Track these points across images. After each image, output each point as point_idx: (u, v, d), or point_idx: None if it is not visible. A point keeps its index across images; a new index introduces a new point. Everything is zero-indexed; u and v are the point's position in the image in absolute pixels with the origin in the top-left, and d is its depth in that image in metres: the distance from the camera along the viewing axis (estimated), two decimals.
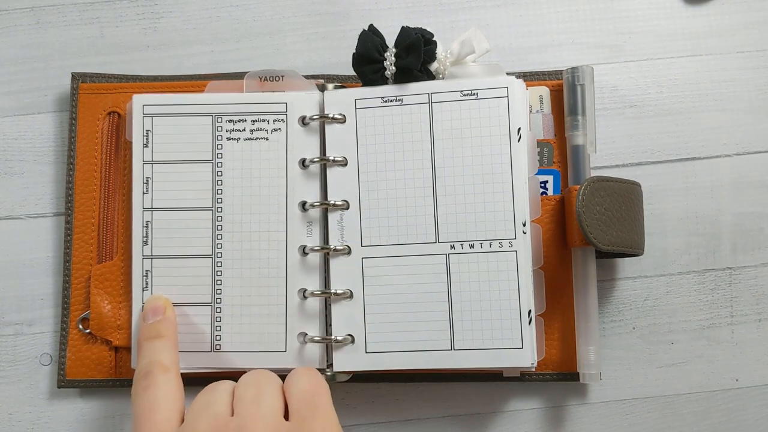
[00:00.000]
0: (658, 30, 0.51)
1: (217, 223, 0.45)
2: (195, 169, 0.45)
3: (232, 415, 0.36)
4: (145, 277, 0.44)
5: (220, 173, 0.45)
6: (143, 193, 0.45)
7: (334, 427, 0.36)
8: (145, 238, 0.45)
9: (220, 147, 0.45)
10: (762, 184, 0.50)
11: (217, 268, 0.44)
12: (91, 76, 0.49)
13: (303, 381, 0.38)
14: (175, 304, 0.44)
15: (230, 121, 0.45)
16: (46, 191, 0.49)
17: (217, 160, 0.45)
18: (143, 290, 0.44)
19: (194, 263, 0.44)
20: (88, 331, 0.46)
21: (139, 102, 0.45)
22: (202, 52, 0.51)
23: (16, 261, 0.49)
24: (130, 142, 0.46)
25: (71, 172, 0.48)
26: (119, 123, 0.48)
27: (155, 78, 0.49)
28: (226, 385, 0.38)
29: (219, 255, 0.44)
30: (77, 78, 0.49)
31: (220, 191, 0.45)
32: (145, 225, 0.45)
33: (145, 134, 0.45)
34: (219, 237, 0.45)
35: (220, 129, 0.45)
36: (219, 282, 0.44)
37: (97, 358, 0.46)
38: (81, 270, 0.47)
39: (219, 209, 0.45)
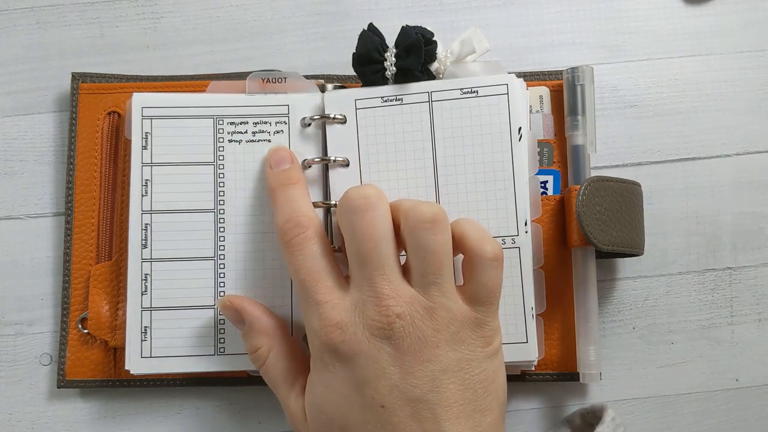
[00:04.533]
0: (658, 30, 0.51)
1: (220, 225, 0.44)
2: (196, 171, 0.45)
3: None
4: (144, 281, 0.44)
5: (222, 175, 0.45)
6: (142, 195, 0.45)
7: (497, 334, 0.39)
8: (144, 241, 0.44)
9: (221, 149, 0.45)
10: (762, 184, 0.50)
11: (220, 270, 0.44)
12: (91, 76, 0.49)
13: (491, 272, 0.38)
14: (177, 308, 0.44)
15: (232, 123, 0.45)
16: (46, 191, 0.49)
17: (219, 162, 0.45)
18: (142, 294, 0.44)
19: (196, 266, 0.44)
20: (87, 331, 0.46)
21: (139, 103, 0.45)
22: (202, 52, 0.51)
23: (16, 261, 0.49)
24: (130, 141, 0.46)
25: (71, 172, 0.48)
26: (119, 123, 0.48)
27: (155, 78, 0.49)
28: (324, 246, 0.39)
29: (222, 257, 0.44)
30: (77, 78, 0.49)
31: (222, 193, 0.45)
32: (144, 228, 0.44)
33: (144, 136, 0.45)
34: (221, 239, 0.44)
35: (221, 131, 0.45)
36: (222, 284, 0.44)
37: (96, 358, 0.46)
38: (81, 270, 0.47)
39: (221, 211, 0.45)
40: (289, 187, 0.42)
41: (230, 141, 0.45)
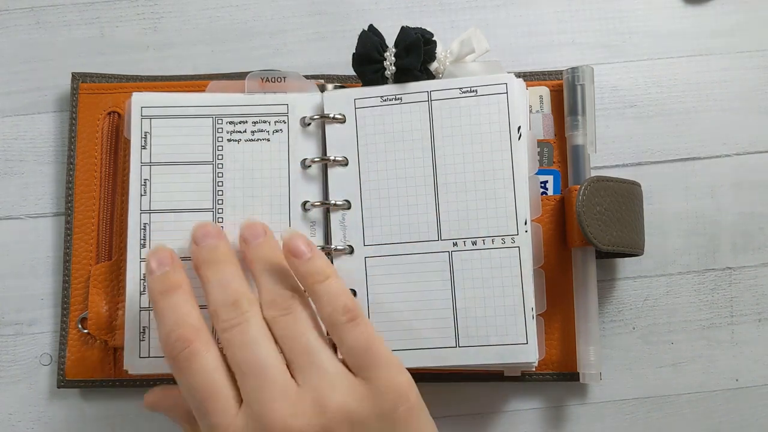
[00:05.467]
0: (658, 30, 0.51)
1: (219, 224, 0.44)
2: (195, 171, 0.45)
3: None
4: (142, 280, 0.44)
5: (221, 174, 0.45)
6: (141, 195, 0.44)
7: (400, 373, 0.36)
8: (142, 240, 0.44)
9: (220, 148, 0.45)
10: (762, 184, 0.50)
11: None
12: (91, 76, 0.49)
13: (351, 334, 0.37)
14: None
15: (231, 122, 0.45)
16: (46, 191, 0.49)
17: (218, 162, 0.45)
18: (141, 294, 0.44)
19: None
20: (87, 331, 0.46)
21: (138, 103, 0.45)
22: (202, 52, 0.51)
23: (16, 261, 0.49)
24: (130, 141, 0.46)
25: (71, 172, 0.48)
26: (119, 123, 0.48)
27: (155, 78, 0.49)
28: (267, 343, 0.36)
29: None
30: (77, 78, 0.49)
31: (221, 192, 0.45)
32: (143, 227, 0.44)
33: (143, 136, 0.45)
34: None
35: (220, 130, 0.45)
36: None
37: (97, 358, 0.46)
38: (81, 270, 0.47)
39: (220, 210, 0.45)
40: (170, 293, 0.38)
41: (229, 140, 0.45)
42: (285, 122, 0.45)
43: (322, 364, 0.36)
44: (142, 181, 0.44)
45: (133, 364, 0.43)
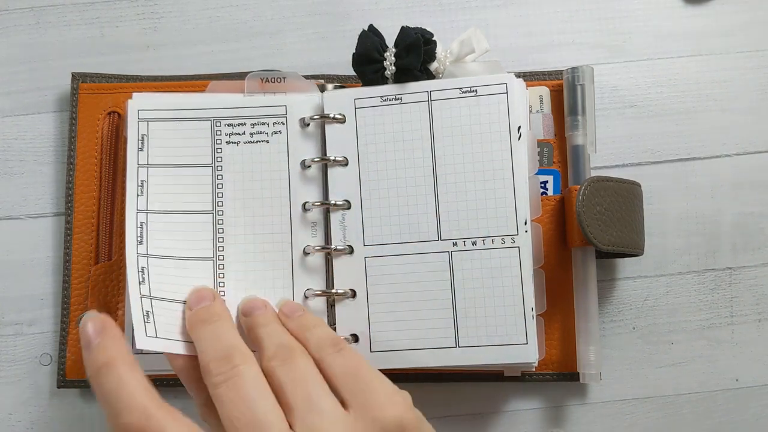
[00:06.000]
0: (658, 30, 0.51)
1: (219, 226, 0.44)
2: (193, 173, 0.45)
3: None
4: (141, 273, 0.43)
5: (220, 176, 0.45)
6: (137, 195, 0.44)
7: (393, 395, 0.36)
8: (139, 238, 0.43)
9: (219, 150, 0.45)
10: (762, 184, 0.50)
11: (219, 271, 0.44)
12: (91, 76, 0.49)
13: (338, 360, 0.37)
14: (177, 302, 0.43)
15: (229, 125, 0.45)
16: (46, 191, 0.49)
17: (217, 164, 0.45)
18: (140, 284, 0.43)
19: (195, 265, 0.44)
20: None
21: (135, 105, 0.45)
22: (202, 52, 0.51)
23: (16, 261, 0.49)
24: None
25: (71, 172, 0.48)
26: (119, 123, 0.48)
27: (155, 78, 0.49)
28: (264, 398, 0.34)
29: (221, 258, 0.44)
30: (77, 78, 0.49)
31: (220, 194, 0.45)
32: (139, 226, 0.43)
33: (140, 138, 0.45)
34: (221, 240, 0.44)
35: (219, 133, 0.45)
36: (222, 285, 0.44)
37: None
38: (81, 270, 0.47)
39: (220, 212, 0.45)
40: (212, 324, 0.38)
41: (228, 143, 0.45)
42: (284, 123, 0.45)
43: (323, 409, 0.34)
44: (139, 182, 0.44)
45: (141, 342, 0.40)
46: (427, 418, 0.48)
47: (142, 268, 0.43)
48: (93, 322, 0.34)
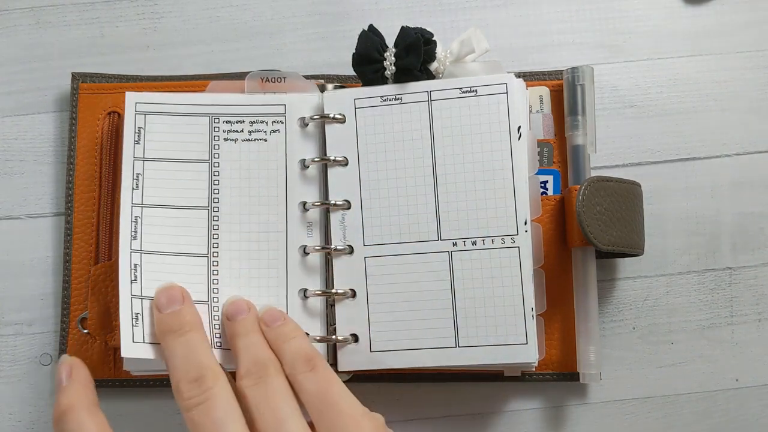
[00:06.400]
0: (658, 30, 0.51)
1: (214, 223, 0.44)
2: (190, 168, 0.45)
3: None
4: (133, 270, 0.43)
5: (216, 173, 0.45)
6: (133, 188, 0.44)
7: (360, 418, 0.36)
8: (134, 233, 0.43)
9: (217, 147, 0.45)
10: (762, 184, 0.50)
11: (213, 268, 0.44)
12: (91, 76, 0.49)
13: (309, 378, 0.37)
14: None
15: (228, 122, 0.45)
16: (46, 191, 0.49)
17: (214, 160, 0.45)
18: (131, 283, 0.43)
19: (188, 261, 0.44)
20: (86, 331, 0.46)
21: (132, 98, 0.45)
22: (202, 52, 0.51)
23: (16, 261, 0.49)
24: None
25: (71, 172, 0.48)
26: (119, 123, 0.48)
27: (155, 78, 0.49)
28: (235, 423, 0.34)
29: (215, 254, 0.44)
30: (77, 78, 0.49)
31: (216, 191, 0.45)
32: (133, 220, 0.43)
33: (137, 131, 0.45)
34: (215, 237, 0.44)
35: (217, 129, 0.45)
36: (216, 281, 0.44)
37: (96, 358, 0.46)
38: (81, 270, 0.47)
39: (216, 209, 0.44)
40: (186, 334, 0.38)
41: (226, 139, 0.45)
42: (282, 122, 0.45)
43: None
44: (135, 175, 0.44)
45: (128, 349, 0.41)
46: (427, 418, 0.48)
47: (135, 265, 0.42)
48: (64, 366, 0.36)
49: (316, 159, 0.45)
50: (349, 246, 0.44)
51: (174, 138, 0.45)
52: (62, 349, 0.47)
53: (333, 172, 0.45)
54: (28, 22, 0.51)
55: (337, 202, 0.44)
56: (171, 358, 0.37)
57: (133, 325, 0.41)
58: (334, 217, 0.45)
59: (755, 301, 0.49)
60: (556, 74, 0.49)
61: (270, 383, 0.37)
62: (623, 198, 0.45)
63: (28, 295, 0.49)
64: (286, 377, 0.38)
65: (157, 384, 0.47)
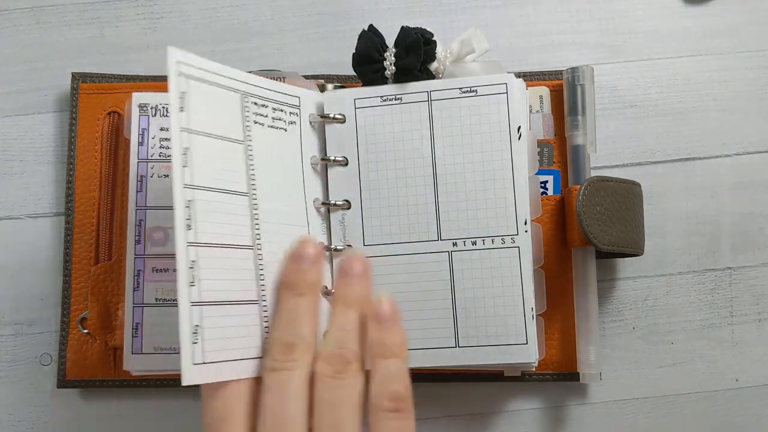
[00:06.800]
0: (658, 30, 0.51)
1: (254, 212, 0.40)
2: (230, 148, 0.40)
3: None
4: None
5: (251, 157, 0.43)
6: (182, 166, 0.37)
7: None
8: (188, 221, 0.36)
9: (249, 129, 0.43)
10: (762, 184, 0.50)
11: (259, 262, 0.42)
12: (91, 76, 0.49)
13: (385, 425, 0.35)
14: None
15: (255, 103, 0.42)
16: (46, 191, 0.49)
17: (248, 142, 0.43)
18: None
19: (237, 255, 0.42)
20: (87, 331, 0.46)
21: (173, 57, 0.40)
22: (202, 52, 0.51)
23: (16, 261, 0.49)
24: (129, 140, 0.45)
25: (71, 172, 0.48)
26: (119, 123, 0.48)
27: (155, 78, 0.49)
28: (299, 402, 0.34)
29: (259, 247, 0.41)
30: (77, 78, 0.49)
31: (253, 176, 0.43)
32: (187, 205, 0.36)
33: (181, 96, 0.39)
34: (257, 227, 0.42)
35: (247, 110, 0.42)
36: (262, 277, 0.42)
37: (97, 358, 0.46)
38: (81, 270, 0.47)
39: (254, 196, 0.41)
40: (298, 297, 0.37)
41: (255, 123, 0.41)
42: (297, 115, 0.44)
43: None
44: (182, 149, 0.36)
45: (188, 375, 0.35)
46: (427, 418, 0.48)
47: (192, 262, 0.35)
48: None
49: (321, 158, 0.45)
50: (349, 246, 0.44)
51: (215, 110, 0.39)
52: (62, 349, 0.47)
53: (333, 172, 0.45)
54: (28, 22, 0.51)
55: (337, 202, 0.44)
56: (278, 312, 0.37)
57: (192, 342, 0.35)
58: (334, 217, 0.45)
59: (755, 301, 0.49)
60: (556, 74, 0.49)
61: (344, 387, 0.35)
62: (623, 198, 0.45)
63: (28, 295, 0.49)
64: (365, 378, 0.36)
65: (157, 384, 0.47)
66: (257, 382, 0.36)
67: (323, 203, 0.44)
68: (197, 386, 0.47)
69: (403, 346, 0.37)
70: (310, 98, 0.45)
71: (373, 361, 0.36)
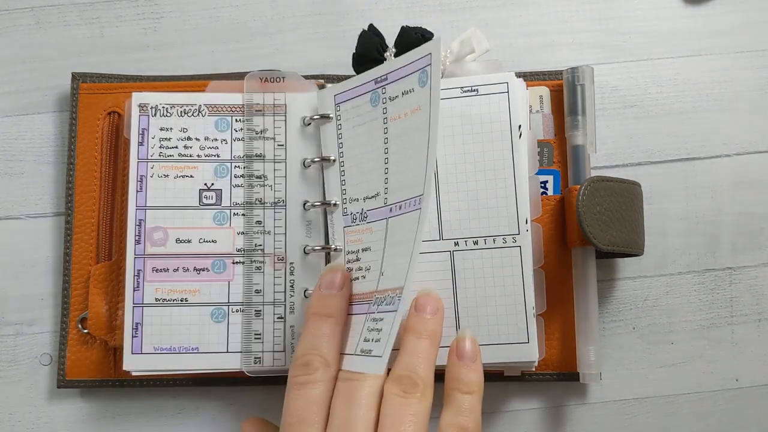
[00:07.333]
0: (658, 30, 0.51)
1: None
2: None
3: None
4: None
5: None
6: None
7: None
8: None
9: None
10: (762, 184, 0.50)
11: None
12: (91, 76, 0.49)
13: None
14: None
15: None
16: (46, 191, 0.49)
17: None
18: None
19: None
20: (87, 331, 0.46)
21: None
22: (202, 52, 0.51)
23: (16, 261, 0.49)
24: (129, 141, 0.45)
25: (71, 172, 0.48)
26: (119, 123, 0.48)
27: (155, 78, 0.49)
28: (318, 417, 0.36)
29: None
30: (77, 78, 0.49)
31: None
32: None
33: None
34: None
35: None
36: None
37: (97, 358, 0.46)
38: (81, 270, 0.47)
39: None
40: (323, 319, 0.39)
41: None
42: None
43: None
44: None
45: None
46: None
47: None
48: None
49: (316, 159, 0.45)
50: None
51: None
52: (62, 349, 0.47)
53: (327, 173, 0.45)
54: (28, 22, 0.51)
55: (336, 203, 0.44)
56: (303, 333, 0.39)
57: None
58: (331, 218, 0.45)
59: (755, 301, 0.49)
60: (556, 74, 0.49)
61: (410, 406, 0.36)
62: (623, 198, 0.45)
63: (28, 295, 0.49)
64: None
65: (157, 384, 0.47)
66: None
67: (322, 203, 0.44)
68: (197, 386, 0.47)
69: (480, 384, 0.39)
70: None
71: (450, 393, 0.38)
